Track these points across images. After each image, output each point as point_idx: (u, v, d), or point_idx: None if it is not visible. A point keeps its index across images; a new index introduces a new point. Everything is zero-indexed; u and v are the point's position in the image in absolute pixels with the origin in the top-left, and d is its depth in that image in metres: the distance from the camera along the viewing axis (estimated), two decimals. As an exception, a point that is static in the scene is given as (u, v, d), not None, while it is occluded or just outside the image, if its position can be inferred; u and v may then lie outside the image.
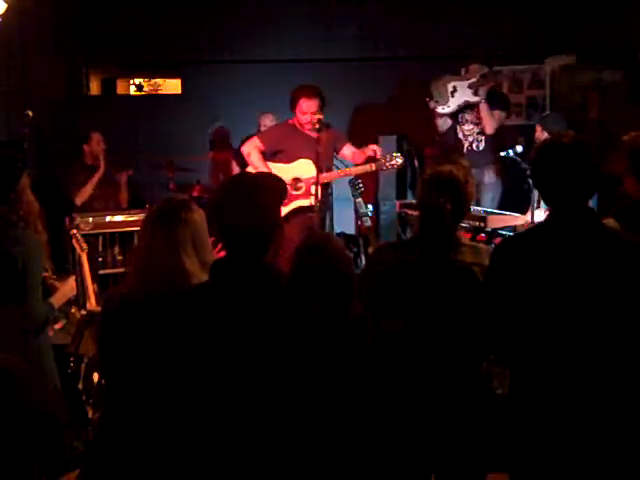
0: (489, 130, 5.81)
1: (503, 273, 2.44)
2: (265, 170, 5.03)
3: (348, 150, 5.26)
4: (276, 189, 2.10)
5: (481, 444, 2.72)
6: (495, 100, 5.94)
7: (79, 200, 6.06)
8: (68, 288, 3.16)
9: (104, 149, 6.29)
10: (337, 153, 5.27)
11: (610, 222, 2.72)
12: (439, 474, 2.71)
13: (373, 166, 5.06)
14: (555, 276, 2.32)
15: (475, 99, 5.82)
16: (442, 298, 2.63)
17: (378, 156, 5.08)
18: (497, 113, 5.90)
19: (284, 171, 5.11)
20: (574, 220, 2.33)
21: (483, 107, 5.79)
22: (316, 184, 4.83)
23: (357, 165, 5.16)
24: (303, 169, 4.98)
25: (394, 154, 5.09)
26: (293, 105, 5.13)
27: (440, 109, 5.98)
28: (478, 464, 2.74)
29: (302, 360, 1.92)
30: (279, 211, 2.10)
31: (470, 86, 5.86)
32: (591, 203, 3.97)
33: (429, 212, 2.73)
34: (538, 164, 2.43)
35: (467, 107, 5.96)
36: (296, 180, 5.12)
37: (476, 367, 2.76)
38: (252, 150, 5.17)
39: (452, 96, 5.93)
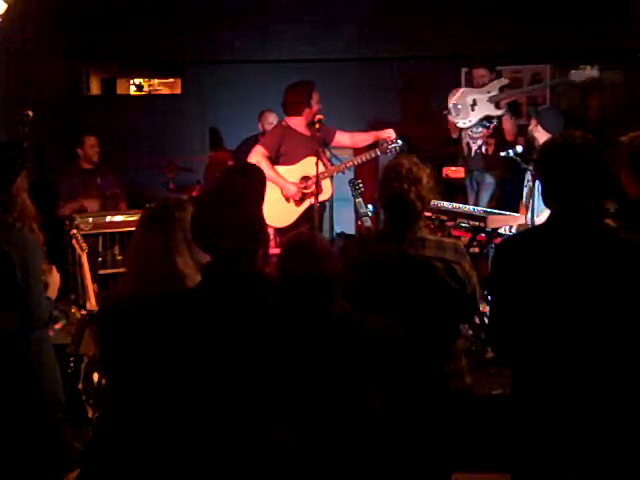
0: (510, 137, 5.81)
1: (505, 273, 2.44)
2: (276, 177, 5.07)
3: (342, 136, 5.28)
4: (256, 193, 2.11)
5: (449, 443, 2.75)
6: (513, 109, 5.95)
7: (68, 210, 6.01)
8: (55, 278, 3.18)
9: (98, 152, 6.30)
10: (329, 145, 5.27)
11: (608, 222, 2.72)
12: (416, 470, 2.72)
13: (377, 151, 5.09)
14: (557, 276, 2.31)
15: (497, 113, 5.78)
16: (400, 293, 2.67)
17: (392, 139, 5.08)
18: (514, 120, 5.93)
19: (292, 172, 5.14)
20: (577, 220, 2.33)
21: (506, 119, 5.78)
22: (316, 183, 4.84)
23: (360, 152, 5.19)
24: (310, 167, 4.97)
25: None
26: (308, 99, 5.14)
27: (461, 123, 5.88)
28: (444, 463, 2.77)
29: (289, 360, 1.92)
30: (260, 215, 2.10)
31: (491, 100, 5.80)
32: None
33: (392, 200, 2.76)
34: (547, 163, 2.41)
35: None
36: (305, 179, 5.13)
37: (439, 365, 2.77)
38: (260, 159, 5.13)
39: (472, 109, 5.84)
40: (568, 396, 2.31)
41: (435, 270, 2.70)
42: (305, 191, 5.13)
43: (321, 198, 5.02)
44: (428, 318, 2.69)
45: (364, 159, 5.11)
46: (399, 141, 5.06)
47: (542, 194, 2.45)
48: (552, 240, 2.36)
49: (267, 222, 5.25)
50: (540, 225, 2.61)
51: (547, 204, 2.43)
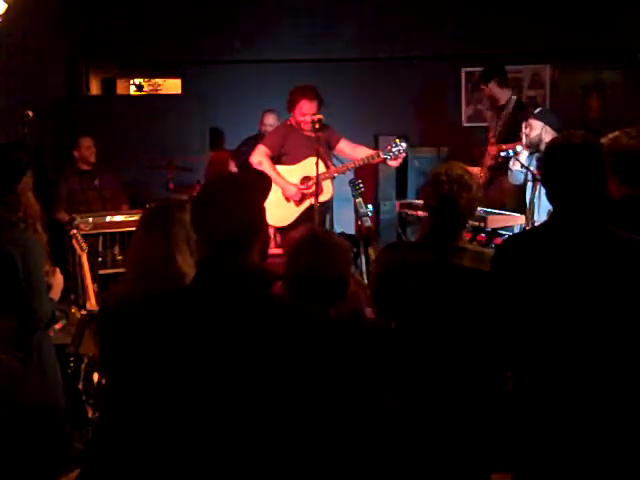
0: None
1: (506, 272, 2.44)
2: (276, 177, 5.05)
3: (345, 145, 5.23)
4: (256, 186, 2.09)
5: (487, 445, 2.71)
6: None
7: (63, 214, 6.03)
8: (59, 280, 3.18)
9: (94, 152, 6.28)
10: (332, 149, 5.25)
11: None
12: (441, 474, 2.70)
13: (380, 154, 5.05)
14: (558, 275, 2.31)
15: None
16: (440, 301, 2.63)
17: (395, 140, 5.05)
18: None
19: (293, 172, 5.13)
20: (578, 219, 2.33)
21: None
22: (316, 183, 4.83)
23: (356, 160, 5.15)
24: (311, 167, 4.94)
25: (397, 140, 5.06)
26: (292, 106, 5.12)
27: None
28: (482, 465, 2.74)
29: (281, 360, 1.91)
30: (260, 208, 2.08)
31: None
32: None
33: (442, 201, 2.68)
34: (548, 162, 2.41)
35: None
36: (306, 179, 5.12)
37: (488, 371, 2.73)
38: (263, 159, 5.13)
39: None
40: (569, 396, 2.31)
41: (475, 281, 2.64)
42: (305, 191, 5.12)
43: (322, 199, 5.02)
44: (468, 327, 2.64)
45: (366, 161, 5.08)
46: (402, 143, 5.02)
47: (546, 193, 2.45)
48: (553, 239, 2.36)
49: (268, 221, 5.25)
50: (541, 224, 2.61)
51: (551, 202, 2.43)
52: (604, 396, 2.28)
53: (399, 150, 5.00)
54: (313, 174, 4.93)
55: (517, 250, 2.46)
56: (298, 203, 5.14)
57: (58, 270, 3.21)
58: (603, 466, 2.31)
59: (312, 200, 5.02)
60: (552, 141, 2.53)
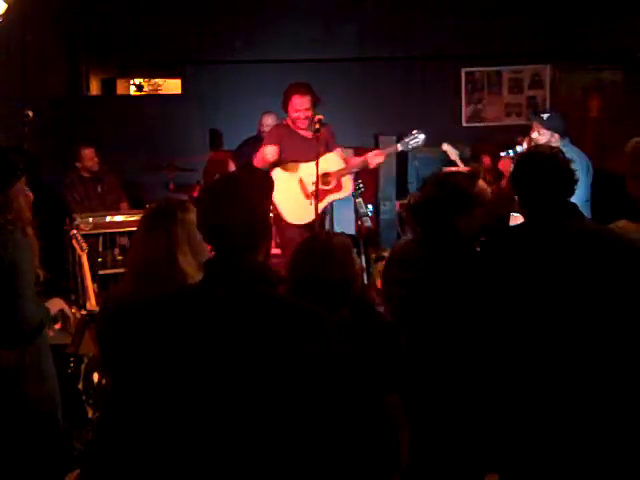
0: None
1: (491, 271, 2.50)
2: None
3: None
4: (260, 186, 2.09)
5: (478, 445, 2.72)
6: None
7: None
8: (57, 304, 3.20)
9: (97, 162, 6.24)
10: (330, 151, 5.21)
11: (622, 223, 2.77)
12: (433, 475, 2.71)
13: (398, 147, 5.01)
14: (542, 273, 2.39)
15: None
16: (434, 296, 2.66)
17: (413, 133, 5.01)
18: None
19: (311, 169, 4.92)
20: (551, 220, 2.46)
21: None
22: (316, 183, 4.80)
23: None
24: (330, 163, 4.86)
25: (413, 131, 5.00)
26: (285, 103, 5.07)
27: None
28: (475, 465, 2.75)
29: (283, 360, 1.91)
30: (265, 209, 2.08)
31: None
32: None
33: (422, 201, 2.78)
34: (517, 173, 2.62)
35: None
36: (325, 175, 5.01)
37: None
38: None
39: None
40: (557, 395, 2.33)
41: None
42: (325, 188, 5.00)
43: (342, 194, 4.98)
44: (464, 326, 2.67)
45: (387, 153, 5.06)
46: (420, 136, 4.99)
47: (518, 201, 2.62)
48: (527, 242, 2.48)
49: (287, 219, 5.05)
50: (519, 225, 2.73)
51: (520, 210, 2.63)
52: (592, 394, 2.30)
53: (417, 142, 4.96)
54: (332, 169, 4.87)
55: (502, 247, 2.57)
56: (319, 199, 5.03)
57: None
58: (590, 467, 2.32)
59: (333, 197, 4.98)
60: (520, 155, 2.76)
